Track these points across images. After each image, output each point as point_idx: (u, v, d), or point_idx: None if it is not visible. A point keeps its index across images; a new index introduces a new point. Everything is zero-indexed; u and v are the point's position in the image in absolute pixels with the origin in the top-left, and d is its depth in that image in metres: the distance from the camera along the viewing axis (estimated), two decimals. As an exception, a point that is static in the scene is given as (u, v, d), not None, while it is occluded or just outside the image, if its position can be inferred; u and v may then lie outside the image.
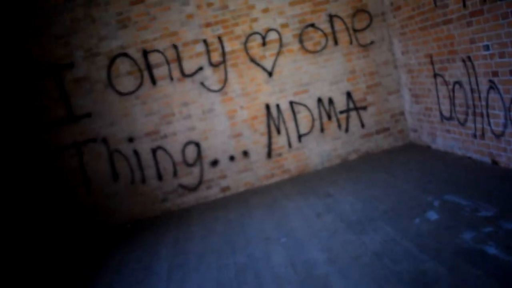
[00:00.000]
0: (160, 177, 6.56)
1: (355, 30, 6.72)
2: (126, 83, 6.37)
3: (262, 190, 6.53)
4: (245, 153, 6.72)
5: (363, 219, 4.60)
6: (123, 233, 6.14)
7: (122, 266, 4.99)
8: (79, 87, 6.29)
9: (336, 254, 4.01)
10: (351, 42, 6.73)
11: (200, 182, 6.66)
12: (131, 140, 6.45)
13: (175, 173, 6.59)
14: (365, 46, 6.76)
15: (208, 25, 6.46)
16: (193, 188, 6.67)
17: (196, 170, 6.64)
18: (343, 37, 6.73)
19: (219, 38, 6.48)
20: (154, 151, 6.51)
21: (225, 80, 6.54)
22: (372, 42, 6.76)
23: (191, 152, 6.59)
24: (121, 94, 6.37)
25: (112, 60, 6.32)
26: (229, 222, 5.53)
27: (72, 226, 6.44)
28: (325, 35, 6.67)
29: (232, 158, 6.70)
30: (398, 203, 4.76)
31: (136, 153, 6.48)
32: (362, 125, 6.90)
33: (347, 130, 6.88)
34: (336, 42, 6.70)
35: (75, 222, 6.45)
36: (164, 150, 6.52)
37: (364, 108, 6.87)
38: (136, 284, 4.46)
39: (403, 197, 4.89)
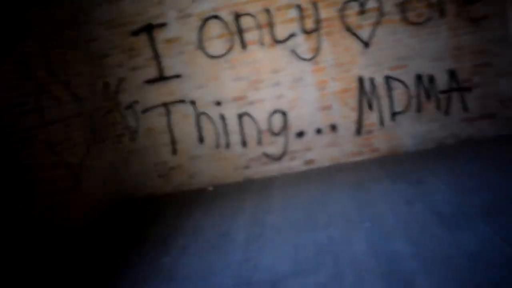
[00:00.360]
0: (244, 143, 6.53)
1: (465, 1, 6.00)
2: (216, 46, 6.30)
3: (348, 167, 6.26)
4: (333, 127, 6.43)
5: (457, 214, 4.20)
6: (203, 196, 6.24)
7: (198, 230, 5.08)
8: (170, 47, 6.34)
9: (424, 249, 3.70)
10: (459, 15, 6.03)
11: (284, 153, 6.54)
12: (218, 104, 6.44)
13: (259, 141, 6.51)
14: (475, 21, 6.02)
15: (304, -11, 6.14)
16: (277, 158, 6.57)
17: (281, 140, 6.51)
18: (450, 8, 6.03)
19: (314, 4, 6.12)
20: (240, 116, 6.46)
21: (318, 49, 6.22)
22: (484, 17, 6.00)
23: (277, 121, 6.45)
24: (211, 57, 6.32)
25: (204, 22, 6.26)
26: (311, 197, 5.38)
27: (157, 184, 6.70)
28: (430, 5, 6.03)
29: (319, 131, 6.46)
30: (499, 200, 4.28)
31: (222, 117, 6.47)
32: (465, 108, 6.25)
33: (447, 112, 6.29)
34: (442, 14, 6.04)
35: (159, 181, 6.69)
36: (250, 116, 6.44)
37: (469, 89, 6.20)
38: (211, 249, 4.51)
39: (506, 193, 4.40)
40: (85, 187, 5.74)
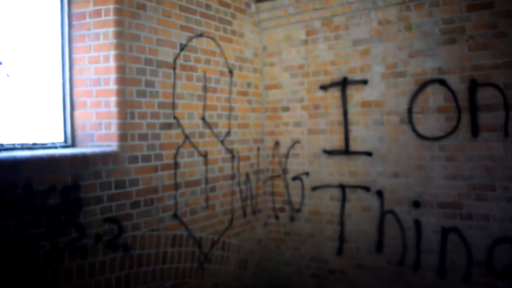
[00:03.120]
0: (443, 272, 4.30)
1: None
2: (431, 123, 4.30)
3: None
4: None
5: None
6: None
7: None
8: (366, 113, 4.61)
9: None
10: None
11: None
12: (416, 204, 4.39)
13: (467, 276, 4.21)
14: None
15: None
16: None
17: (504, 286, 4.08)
18: None
19: None
20: (445, 232, 4.26)
21: None
22: None
23: (504, 254, 4.06)
24: (420, 136, 4.35)
25: (421, 87, 4.35)
26: None
27: (307, 285, 4.99)
28: None
29: None
30: None
31: (417, 225, 4.38)
32: None
33: None
34: None
35: (311, 282, 4.97)
36: (461, 236, 4.20)
37: None
38: None
39: None
40: (213, 269, 4.47)
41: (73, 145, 3.68)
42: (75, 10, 3.65)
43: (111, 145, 3.56)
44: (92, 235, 3.32)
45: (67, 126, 3.68)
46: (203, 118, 4.38)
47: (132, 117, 3.65)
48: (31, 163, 2.96)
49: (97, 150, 3.45)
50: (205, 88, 4.41)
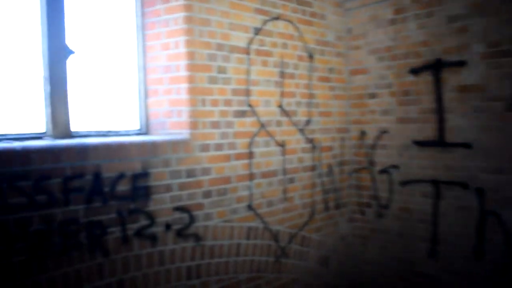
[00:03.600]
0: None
1: None
2: (547, 110, 3.65)
3: None
4: None
5: None
6: None
7: None
8: (465, 99, 4.04)
9: None
10: None
11: None
12: (524, 205, 3.79)
13: None
14: None
15: None
16: None
17: None
18: None
19: None
20: (561, 238, 3.63)
21: None
22: None
23: None
24: (532, 125, 3.73)
25: (534, 68, 3.70)
26: None
27: None
28: None
29: None
30: None
31: (525, 229, 3.79)
32: None
33: None
34: None
35: (399, 286, 4.54)
36: None
37: None
38: None
39: None
40: (291, 264, 4.25)
41: (147, 133, 3.69)
42: (147, -3, 3.64)
43: (182, 133, 3.50)
44: (162, 223, 3.29)
45: (142, 114, 3.69)
46: (280, 106, 4.16)
47: (204, 104, 3.55)
48: (100, 150, 2.98)
49: (167, 137, 3.41)
50: (282, 74, 4.17)
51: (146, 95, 3.69)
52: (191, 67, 3.47)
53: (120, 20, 3.62)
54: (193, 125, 3.49)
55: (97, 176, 2.96)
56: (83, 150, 2.91)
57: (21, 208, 2.65)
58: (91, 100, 3.47)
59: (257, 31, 3.93)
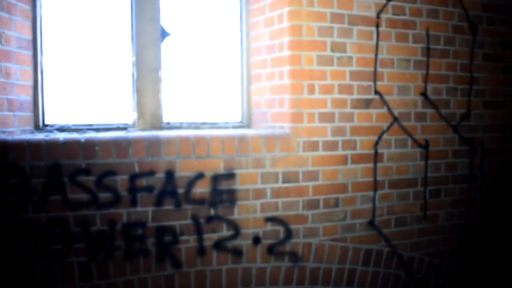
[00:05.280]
0: None
1: None
2: None
3: None
4: None
5: None
6: None
7: None
8: None
9: None
10: None
11: None
12: None
13: None
14: None
15: None
16: None
17: None
18: None
19: None
20: None
21: None
22: None
23: None
24: None
25: None
26: None
27: None
28: None
29: None
30: None
31: None
32: None
33: None
34: None
35: None
36: None
37: None
38: None
39: None
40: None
41: (248, 125, 3.15)
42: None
43: (283, 127, 2.86)
44: (248, 236, 2.72)
45: (244, 104, 3.15)
46: (423, 94, 3.14)
47: (311, 91, 2.83)
48: (173, 144, 2.55)
49: (261, 132, 2.81)
50: (428, 52, 3.13)
51: (249, 81, 3.14)
52: (296, 45, 2.78)
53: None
54: (296, 117, 2.81)
55: (170, 174, 2.54)
56: (154, 144, 2.52)
57: (82, 205, 2.41)
58: (186, 88, 3.08)
59: (392, -6, 3.00)
